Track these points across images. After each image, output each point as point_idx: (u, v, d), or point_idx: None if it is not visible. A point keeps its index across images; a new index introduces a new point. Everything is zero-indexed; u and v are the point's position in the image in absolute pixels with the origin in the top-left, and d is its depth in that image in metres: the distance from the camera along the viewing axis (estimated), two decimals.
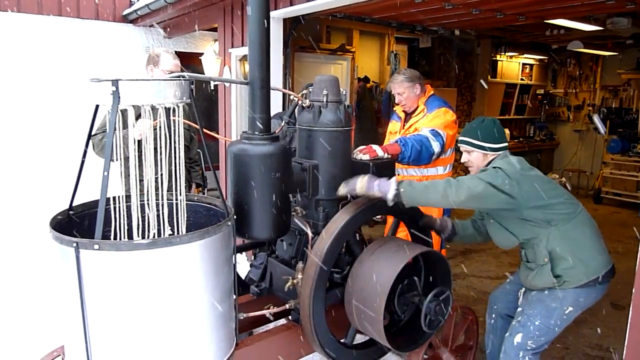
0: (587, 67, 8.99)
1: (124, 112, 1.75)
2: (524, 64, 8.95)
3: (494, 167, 2.23)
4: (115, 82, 1.63)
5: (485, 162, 2.41)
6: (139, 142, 1.86)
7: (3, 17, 5.17)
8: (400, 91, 3.29)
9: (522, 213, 2.24)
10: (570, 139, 9.44)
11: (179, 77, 1.81)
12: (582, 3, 4.00)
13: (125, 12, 5.83)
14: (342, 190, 2.21)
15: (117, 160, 2.04)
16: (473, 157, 2.44)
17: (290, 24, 4.61)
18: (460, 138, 2.48)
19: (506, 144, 2.43)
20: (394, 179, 2.17)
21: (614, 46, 7.48)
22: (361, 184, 2.15)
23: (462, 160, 2.52)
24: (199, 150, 3.42)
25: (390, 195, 2.11)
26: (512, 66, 8.77)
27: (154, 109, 1.76)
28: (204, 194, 3.31)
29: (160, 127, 1.82)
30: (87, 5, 5.61)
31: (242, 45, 4.73)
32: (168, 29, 6.08)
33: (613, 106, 8.64)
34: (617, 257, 4.86)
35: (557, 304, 2.27)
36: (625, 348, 1.85)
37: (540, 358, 3.12)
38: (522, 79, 9.01)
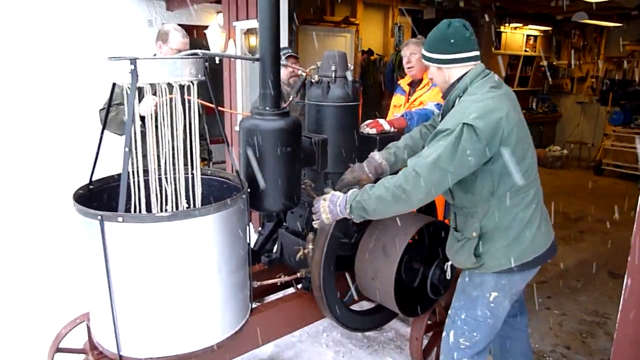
0: (591, 39, 8.92)
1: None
2: (528, 36, 8.88)
3: (464, 124, 1.70)
4: (133, 61, 1.68)
5: (447, 78, 1.91)
6: (155, 118, 1.92)
7: None
8: (415, 51, 3.36)
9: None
10: (573, 111, 9.44)
11: (193, 54, 1.86)
12: None
13: None
14: (316, 225, 2.09)
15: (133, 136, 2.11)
16: (432, 72, 1.96)
17: None
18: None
19: (473, 54, 1.87)
20: (344, 197, 1.96)
21: (619, 17, 7.41)
22: (326, 216, 2.01)
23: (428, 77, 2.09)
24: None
25: (348, 216, 1.95)
26: (516, 37, 8.70)
27: (169, 85, 1.82)
28: (209, 167, 3.38)
29: (172, 103, 1.88)
30: None
31: (247, 18, 4.71)
32: (170, 1, 6.05)
33: (616, 78, 8.60)
34: (616, 226, 5.00)
35: (477, 291, 1.98)
36: (619, 312, 1.96)
37: (538, 322, 3.24)
38: (525, 51, 8.95)
